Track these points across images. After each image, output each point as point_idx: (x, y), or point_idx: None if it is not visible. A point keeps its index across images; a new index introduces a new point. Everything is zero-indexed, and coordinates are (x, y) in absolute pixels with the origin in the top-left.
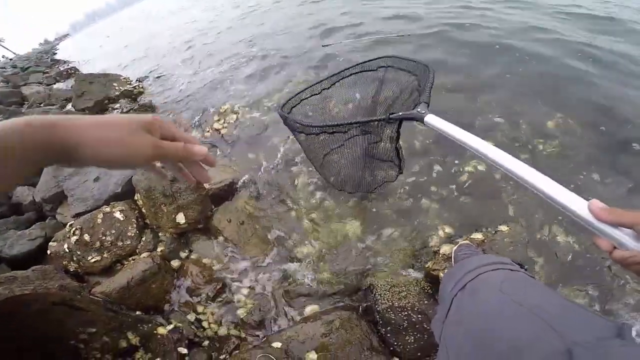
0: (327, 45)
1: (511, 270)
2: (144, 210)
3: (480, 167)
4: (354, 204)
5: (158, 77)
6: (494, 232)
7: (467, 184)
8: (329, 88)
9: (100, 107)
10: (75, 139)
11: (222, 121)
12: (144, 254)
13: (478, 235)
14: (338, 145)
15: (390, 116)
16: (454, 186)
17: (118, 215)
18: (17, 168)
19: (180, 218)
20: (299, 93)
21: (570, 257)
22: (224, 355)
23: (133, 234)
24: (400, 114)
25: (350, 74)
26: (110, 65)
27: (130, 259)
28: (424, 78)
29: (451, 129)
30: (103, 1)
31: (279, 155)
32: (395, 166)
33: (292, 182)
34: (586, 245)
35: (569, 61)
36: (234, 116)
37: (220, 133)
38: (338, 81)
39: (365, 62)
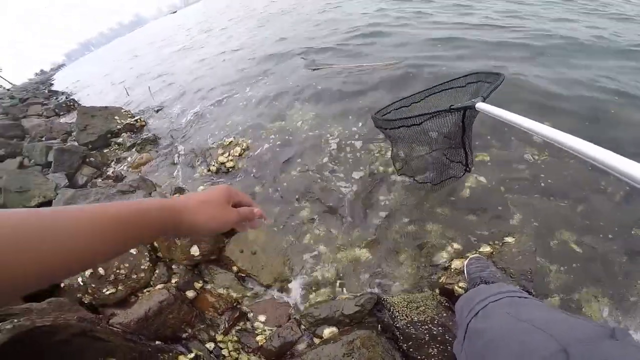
0: (317, 69)
1: (519, 297)
2: (156, 244)
3: (481, 179)
4: (359, 232)
5: (157, 111)
6: (501, 244)
7: (468, 199)
8: (418, 102)
9: (104, 142)
10: (192, 218)
11: (226, 154)
12: (159, 286)
13: (486, 249)
14: (416, 139)
15: (451, 107)
16: (456, 202)
17: (131, 250)
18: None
19: (195, 250)
20: (391, 104)
21: (578, 263)
22: None
23: (146, 267)
24: (459, 104)
25: (441, 90)
26: (109, 98)
27: (145, 290)
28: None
29: (501, 112)
30: (96, 31)
31: (283, 189)
32: (462, 164)
33: (297, 214)
34: (594, 249)
35: None
36: (238, 149)
37: (225, 166)
38: (427, 96)
39: (454, 79)
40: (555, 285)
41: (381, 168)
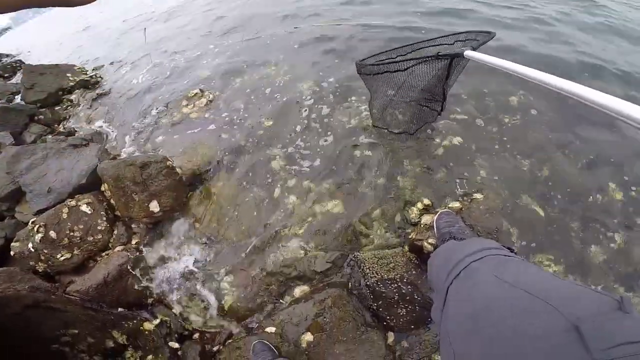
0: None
1: (504, 255)
2: (112, 202)
3: (454, 140)
4: (331, 186)
5: (116, 65)
6: (469, 200)
7: (440, 157)
8: (404, 55)
9: (55, 99)
10: None
11: (191, 105)
12: (118, 248)
13: (455, 204)
14: (397, 86)
15: (439, 54)
16: (428, 160)
17: (85, 208)
18: None
19: (154, 206)
20: (377, 54)
21: (542, 226)
22: (217, 346)
23: (103, 228)
24: (448, 52)
25: (429, 46)
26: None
27: (104, 254)
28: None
29: (491, 59)
30: None
31: (254, 138)
32: (437, 109)
33: (268, 164)
34: (554, 213)
35: None
36: (204, 100)
37: (190, 117)
38: (414, 50)
39: (443, 36)
40: (517, 245)
41: (354, 122)
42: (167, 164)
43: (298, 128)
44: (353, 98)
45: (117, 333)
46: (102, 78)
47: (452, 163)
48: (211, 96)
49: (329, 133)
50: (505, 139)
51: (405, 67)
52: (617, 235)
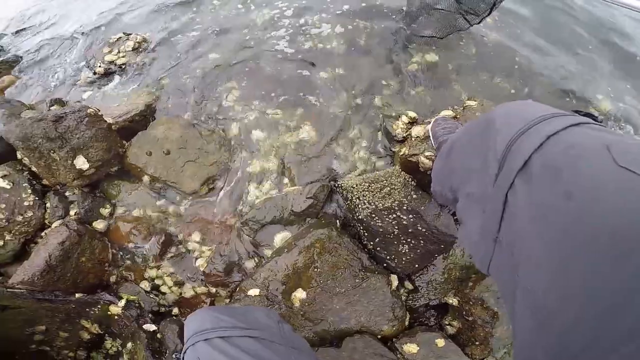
0: None
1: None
2: (34, 169)
3: (429, 57)
4: (300, 110)
5: (18, 31)
6: (462, 108)
7: (417, 73)
8: None
9: None
10: None
11: (115, 51)
12: (56, 223)
13: (448, 112)
14: None
15: None
16: (405, 76)
17: (2, 183)
18: None
19: (81, 162)
20: None
21: None
22: None
23: (32, 202)
24: None
25: None
26: None
27: (43, 233)
28: None
29: None
30: None
31: (200, 74)
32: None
33: (223, 95)
34: None
35: None
36: (130, 43)
37: (116, 64)
38: None
39: None
40: None
41: (315, 43)
42: (89, 111)
43: (250, 56)
44: (310, 19)
45: (87, 322)
46: (3, 47)
47: (430, 79)
48: (139, 37)
49: (288, 57)
50: (483, 58)
51: None
52: None
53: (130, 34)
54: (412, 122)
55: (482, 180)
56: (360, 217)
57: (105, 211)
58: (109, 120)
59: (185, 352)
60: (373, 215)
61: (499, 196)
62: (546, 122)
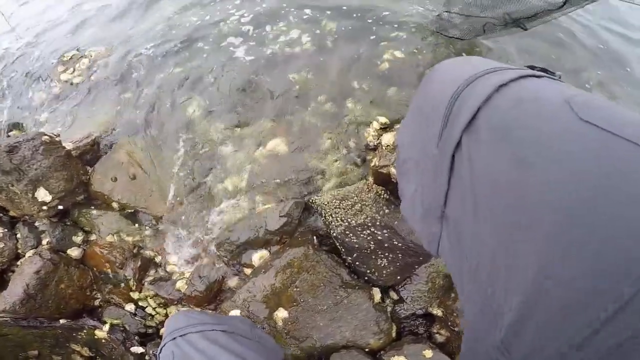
0: None
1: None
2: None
3: (398, 54)
4: (270, 122)
5: None
6: None
7: (388, 72)
8: None
9: None
10: None
11: (70, 70)
12: (29, 253)
13: None
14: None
15: None
16: (375, 77)
17: None
18: None
19: (42, 195)
20: None
21: None
22: None
23: (1, 234)
24: None
25: None
26: None
27: (19, 262)
28: None
29: None
30: None
31: (160, 89)
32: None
33: (185, 114)
34: None
35: None
36: (85, 61)
37: (71, 83)
38: None
39: None
40: None
41: (282, 47)
42: (44, 139)
43: (214, 66)
44: (276, 25)
45: (77, 346)
46: None
47: (401, 77)
48: (93, 54)
49: (253, 65)
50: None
51: None
52: None
53: (85, 50)
54: (384, 128)
55: (423, 141)
56: (334, 234)
57: (77, 239)
58: (69, 145)
59: (160, 351)
60: (347, 232)
61: (444, 158)
62: (497, 73)
